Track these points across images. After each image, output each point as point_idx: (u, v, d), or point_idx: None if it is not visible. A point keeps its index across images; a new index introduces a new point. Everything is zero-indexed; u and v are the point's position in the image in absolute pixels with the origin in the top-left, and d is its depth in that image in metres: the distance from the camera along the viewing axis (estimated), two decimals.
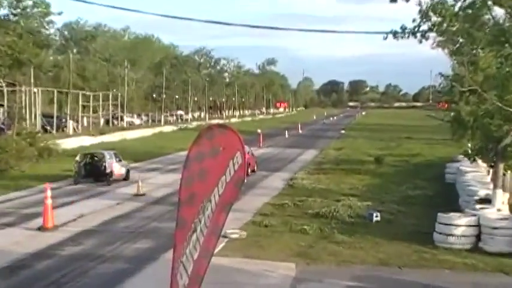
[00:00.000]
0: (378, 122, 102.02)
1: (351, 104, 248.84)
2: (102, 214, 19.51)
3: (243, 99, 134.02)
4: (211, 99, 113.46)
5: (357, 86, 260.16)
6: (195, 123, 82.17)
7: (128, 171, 27.78)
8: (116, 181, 26.83)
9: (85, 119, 60.90)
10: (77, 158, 27.18)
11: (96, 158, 27.30)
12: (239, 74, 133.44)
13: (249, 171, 29.02)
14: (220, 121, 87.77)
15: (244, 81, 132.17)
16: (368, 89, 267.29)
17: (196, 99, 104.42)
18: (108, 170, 26.46)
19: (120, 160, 27.66)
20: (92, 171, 26.77)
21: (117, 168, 26.82)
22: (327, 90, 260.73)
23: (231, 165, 5.81)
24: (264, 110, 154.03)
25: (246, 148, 35.04)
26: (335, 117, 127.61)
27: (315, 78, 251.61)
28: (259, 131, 61.64)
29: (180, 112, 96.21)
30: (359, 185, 26.28)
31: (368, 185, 26.54)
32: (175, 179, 24.32)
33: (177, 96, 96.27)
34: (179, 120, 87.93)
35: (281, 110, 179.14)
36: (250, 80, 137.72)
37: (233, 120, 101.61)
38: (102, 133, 52.26)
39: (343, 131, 72.28)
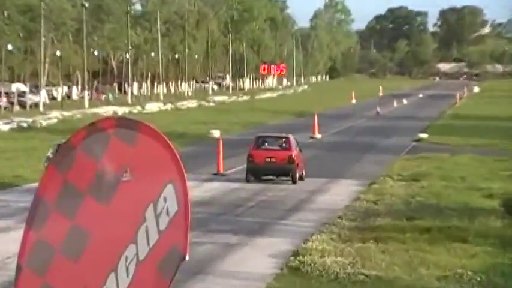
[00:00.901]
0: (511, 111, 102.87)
1: (443, 66, 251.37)
2: None
3: (178, 56, 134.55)
4: (96, 53, 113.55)
5: (458, 25, 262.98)
6: (55, 116, 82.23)
7: None
8: None
9: None
10: (49, 153, 33.88)
11: None
12: None
13: (297, 177, 38.22)
14: (123, 110, 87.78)
15: (182, 10, 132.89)
16: (487, 30, 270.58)
17: (59, 54, 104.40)
18: None
19: None
20: None
21: None
22: (386, 34, 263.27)
23: (151, 217, 5.81)
24: (228, 81, 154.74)
25: (291, 140, 39.49)
26: (405, 100, 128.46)
27: (354, 5, 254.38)
28: (216, 135, 61.63)
29: (18, 86, 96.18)
30: (465, 269, 26.44)
31: (488, 269, 26.71)
32: (5, 252, 24.25)
33: (11, 48, 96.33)
34: (17, 108, 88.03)
35: (271, 82, 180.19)
36: (196, 9, 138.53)
37: (152, 107, 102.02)
38: None
39: (423, 135, 72.88)
